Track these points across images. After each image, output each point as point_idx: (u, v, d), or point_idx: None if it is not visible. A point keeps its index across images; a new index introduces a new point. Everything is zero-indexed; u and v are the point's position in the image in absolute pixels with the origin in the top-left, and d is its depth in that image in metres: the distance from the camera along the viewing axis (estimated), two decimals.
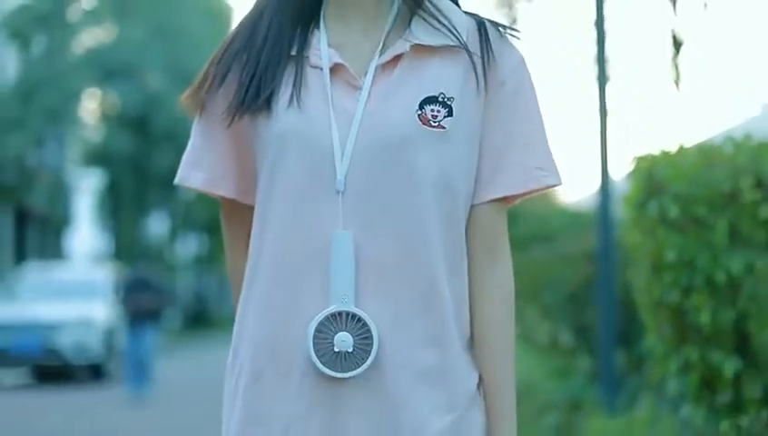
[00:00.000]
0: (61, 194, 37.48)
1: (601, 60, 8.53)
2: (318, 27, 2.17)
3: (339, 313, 2.05)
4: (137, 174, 36.60)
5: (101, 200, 40.57)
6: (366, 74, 2.12)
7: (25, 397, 17.16)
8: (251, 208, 2.18)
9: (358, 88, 2.11)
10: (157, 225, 40.45)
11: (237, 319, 2.17)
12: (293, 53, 2.15)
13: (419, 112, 2.08)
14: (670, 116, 27.39)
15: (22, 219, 34.00)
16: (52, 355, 19.33)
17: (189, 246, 44.89)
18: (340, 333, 2.04)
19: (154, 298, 16.16)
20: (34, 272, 22.37)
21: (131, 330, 16.22)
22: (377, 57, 2.13)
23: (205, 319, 42.67)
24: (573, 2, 20.38)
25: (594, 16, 8.80)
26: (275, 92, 2.11)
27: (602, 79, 8.40)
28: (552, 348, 9.42)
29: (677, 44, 19.02)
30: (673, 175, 5.07)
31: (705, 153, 5.14)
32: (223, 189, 2.21)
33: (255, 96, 2.12)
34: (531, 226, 10.75)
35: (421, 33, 2.14)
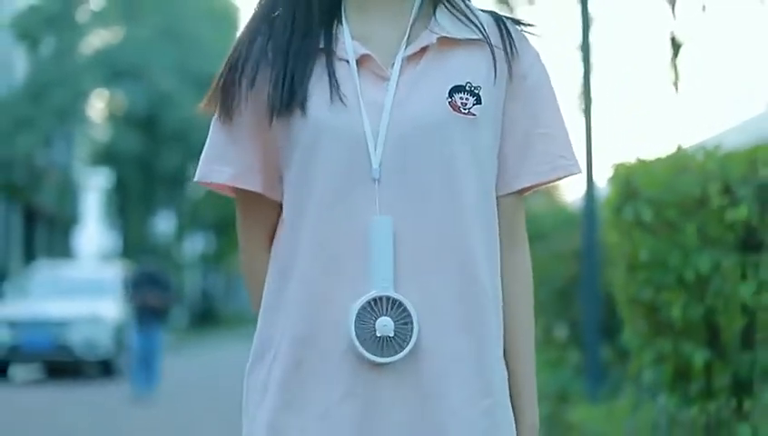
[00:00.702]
0: (69, 193, 37.66)
1: (586, 63, 8.68)
2: (340, 20, 2.17)
3: (380, 298, 2.05)
4: (144, 173, 36.74)
5: (108, 199, 40.74)
6: (393, 65, 2.13)
7: (37, 392, 17.29)
8: (273, 203, 2.19)
9: (385, 79, 2.12)
10: (164, 224, 40.57)
11: (266, 311, 2.16)
12: (320, 46, 2.15)
13: (449, 99, 2.11)
14: (669, 118, 27.58)
15: (31, 217, 34.16)
16: (62, 351, 19.52)
17: (196, 245, 45.00)
18: (382, 318, 2.04)
19: (161, 295, 16.06)
20: (45, 271, 22.56)
21: (137, 326, 16.15)
22: (403, 48, 2.14)
23: (212, 317, 42.79)
24: (571, 6, 20.64)
25: (591, 19, 8.94)
26: (308, 88, 2.11)
27: (587, 88, 8.56)
28: (546, 342, 9.74)
29: (676, 46, 19.25)
30: (647, 182, 5.38)
31: (677, 161, 5.45)
32: (251, 183, 2.18)
33: (291, 95, 2.11)
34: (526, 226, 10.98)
35: (446, 24, 2.16)
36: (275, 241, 2.18)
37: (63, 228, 38.22)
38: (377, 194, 2.08)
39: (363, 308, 2.05)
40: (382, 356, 2.04)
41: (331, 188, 2.09)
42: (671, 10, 19.08)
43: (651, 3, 24.87)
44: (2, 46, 32.44)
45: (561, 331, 9.57)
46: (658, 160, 5.55)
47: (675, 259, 5.24)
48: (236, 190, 2.20)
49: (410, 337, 2.05)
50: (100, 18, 34.59)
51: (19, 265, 31.19)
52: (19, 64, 33.54)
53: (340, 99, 2.09)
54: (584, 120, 8.45)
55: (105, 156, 37.31)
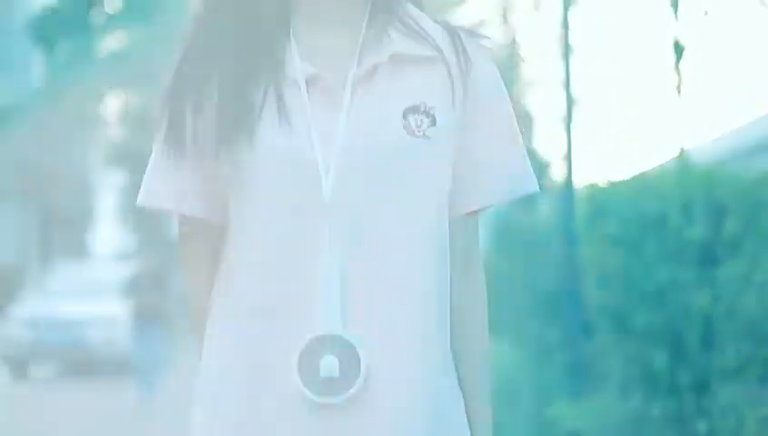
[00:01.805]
0: (85, 194, 38.07)
1: (567, 74, 8.99)
2: (288, 37, 2.04)
3: (325, 336, 1.93)
4: None
5: (124, 199, 41.12)
6: (344, 86, 2.00)
7: (55, 390, 17.60)
8: (217, 230, 2.06)
9: (336, 100, 1.99)
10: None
11: (214, 350, 2.07)
12: (267, 68, 2.02)
13: (404, 121, 1.99)
14: (669, 121, 27.74)
15: (48, 218, 34.59)
16: (81, 350, 19.88)
17: None
18: (326, 357, 1.93)
19: (157, 294, 15.98)
20: (62, 270, 22.89)
21: (137, 326, 15.93)
22: (354, 67, 2.01)
23: None
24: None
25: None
26: (255, 113, 1.99)
27: (569, 101, 8.84)
28: (538, 344, 10.17)
29: (679, 50, 19.56)
30: (614, 200, 5.88)
31: (642, 181, 5.94)
32: (194, 209, 2.06)
33: (237, 124, 1.98)
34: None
35: (398, 41, 2.04)
36: (220, 269, 2.07)
37: (79, 228, 38.61)
38: (327, 224, 1.96)
39: (309, 347, 1.94)
40: (328, 396, 1.94)
41: (280, 218, 1.97)
42: (673, 13, 19.37)
43: (647, 4, 25.11)
44: (18, 49, 32.85)
45: (552, 335, 10.04)
46: (625, 180, 6.05)
47: (638, 272, 5.68)
48: (179, 215, 2.10)
49: (358, 375, 1.94)
50: (116, 21, 34.88)
51: (37, 266, 31.59)
52: (35, 67, 33.95)
53: (289, 124, 1.97)
54: (565, 135, 8.58)
55: (121, 157, 37.68)
